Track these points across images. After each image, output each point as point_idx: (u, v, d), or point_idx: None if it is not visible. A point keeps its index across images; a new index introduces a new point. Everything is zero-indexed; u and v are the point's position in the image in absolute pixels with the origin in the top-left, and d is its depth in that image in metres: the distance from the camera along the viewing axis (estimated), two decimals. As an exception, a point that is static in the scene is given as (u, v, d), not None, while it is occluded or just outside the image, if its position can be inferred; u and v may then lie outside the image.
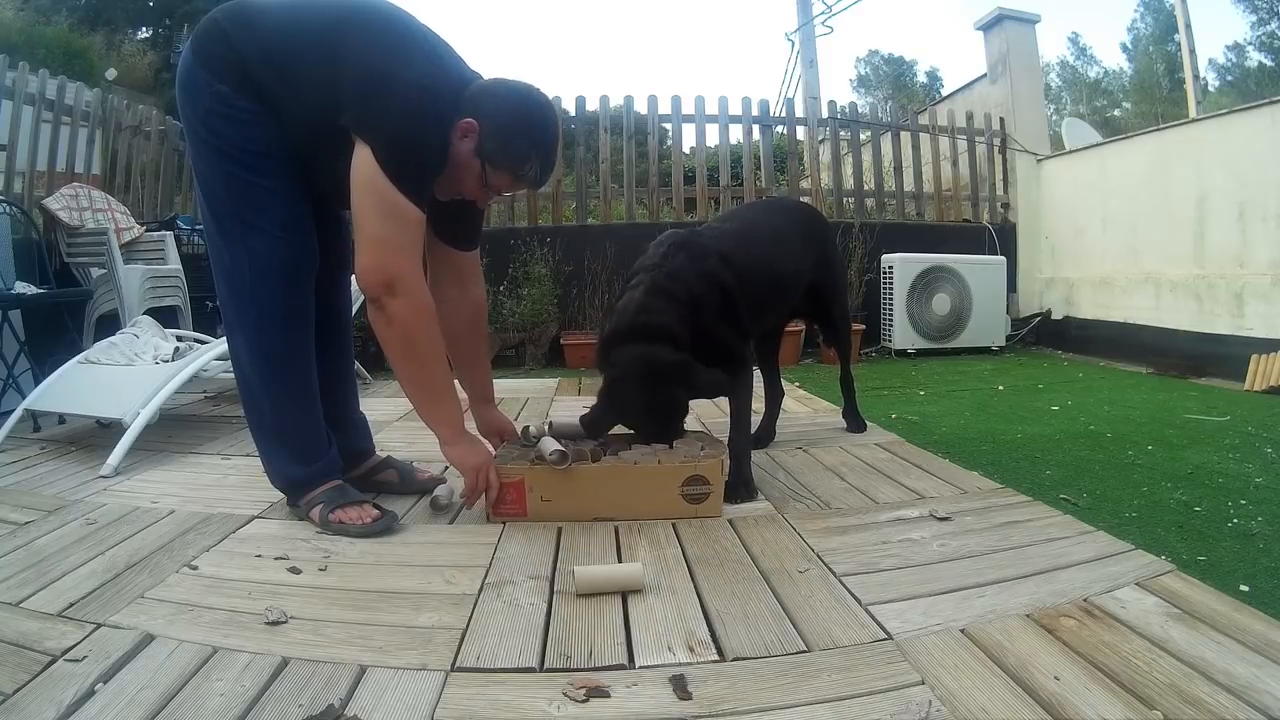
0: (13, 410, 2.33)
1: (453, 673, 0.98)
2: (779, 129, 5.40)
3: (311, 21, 1.43)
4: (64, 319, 3.06)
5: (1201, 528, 1.54)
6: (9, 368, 2.70)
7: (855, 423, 2.39)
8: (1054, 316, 5.00)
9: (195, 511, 1.64)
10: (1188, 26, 5.78)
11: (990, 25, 5.36)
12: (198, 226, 4.04)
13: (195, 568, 1.33)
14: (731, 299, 1.74)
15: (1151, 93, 23.33)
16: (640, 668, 0.99)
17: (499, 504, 1.57)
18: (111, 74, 7.05)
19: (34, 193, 3.98)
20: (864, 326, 4.56)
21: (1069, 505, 1.67)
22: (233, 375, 1.64)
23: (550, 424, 1.84)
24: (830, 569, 1.30)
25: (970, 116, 5.31)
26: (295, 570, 1.32)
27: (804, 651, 1.03)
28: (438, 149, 1.42)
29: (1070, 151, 5.12)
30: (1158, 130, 4.46)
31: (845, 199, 5.19)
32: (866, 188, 5.20)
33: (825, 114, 5.27)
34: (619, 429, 1.75)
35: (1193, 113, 5.35)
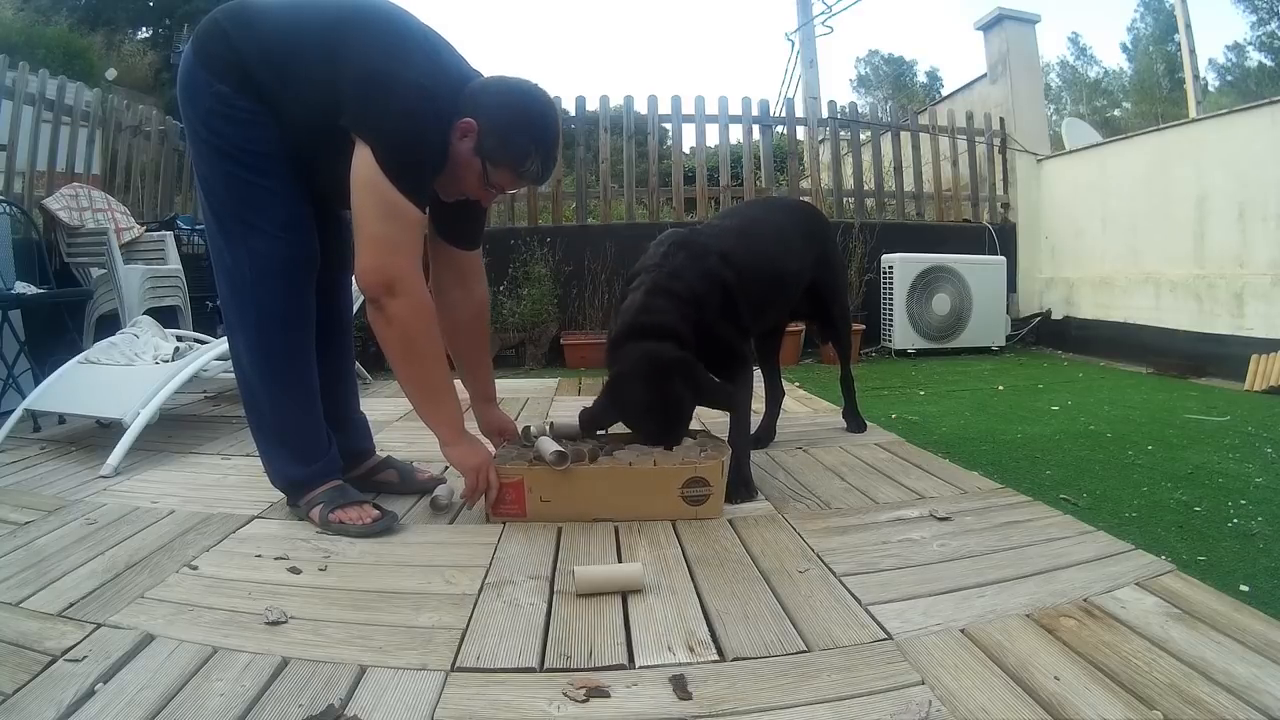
0: (13, 410, 2.33)
1: (453, 673, 0.98)
2: (779, 129, 5.40)
3: (311, 21, 1.43)
4: (64, 319, 3.06)
5: (1201, 528, 1.54)
6: (9, 368, 2.70)
7: (855, 423, 2.39)
8: (1054, 316, 5.00)
9: (195, 511, 1.64)
10: (1188, 26, 5.78)
11: (990, 25, 5.36)
12: (198, 226, 4.04)
13: (195, 568, 1.33)
14: (733, 297, 1.74)
15: (1151, 93, 23.32)
16: (640, 668, 0.99)
17: (498, 504, 1.57)
18: (111, 74, 7.04)
19: (34, 193, 3.98)
20: (864, 326, 4.56)
21: (1069, 505, 1.67)
22: (233, 375, 1.64)
23: (550, 424, 1.84)
24: (830, 569, 1.30)
25: (970, 116, 5.31)
26: (295, 570, 1.32)
27: (804, 651, 1.03)
28: (438, 149, 1.42)
29: (1070, 151, 5.12)
30: (1158, 130, 4.46)
31: (845, 199, 5.19)
32: (866, 188, 5.20)
33: (825, 114, 5.27)
34: (619, 429, 1.75)
35: (1193, 113, 5.35)
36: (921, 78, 32.35)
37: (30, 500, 1.74)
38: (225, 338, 1.69)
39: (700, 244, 1.77)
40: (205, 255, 3.74)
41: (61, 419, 2.53)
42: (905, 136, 5.33)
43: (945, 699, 0.90)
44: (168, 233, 3.81)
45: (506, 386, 3.21)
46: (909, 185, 5.38)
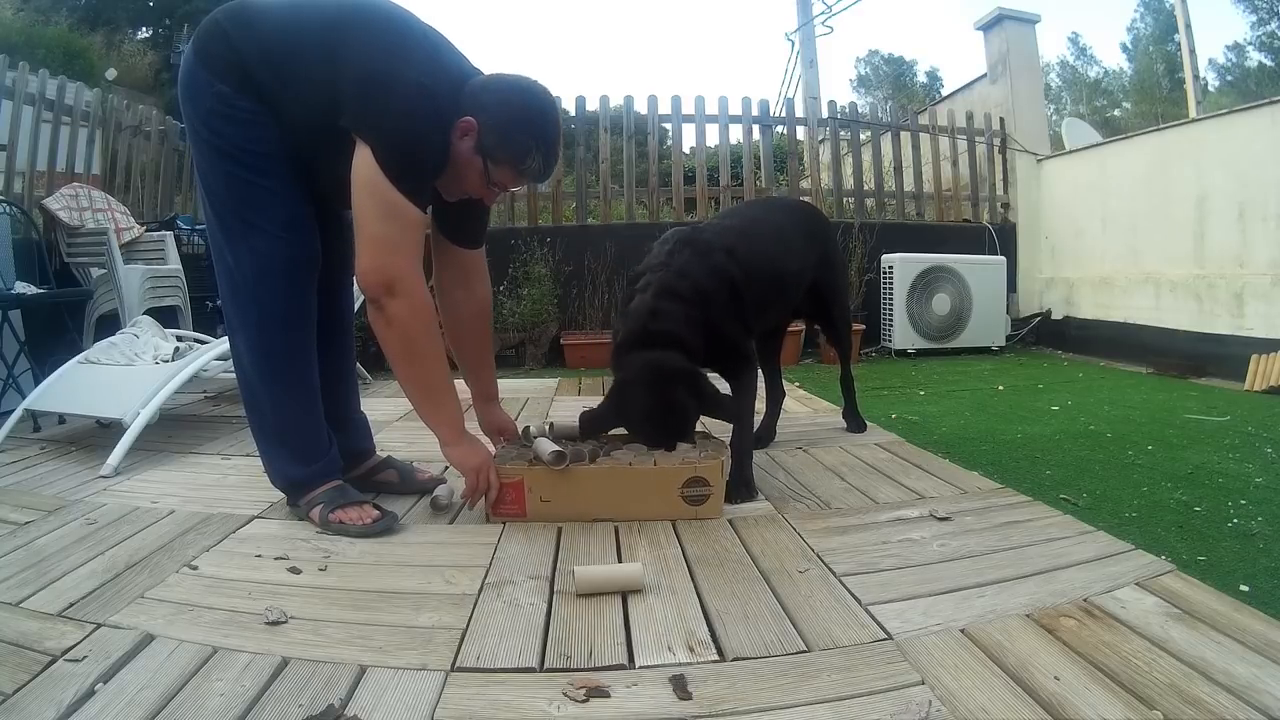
0: (13, 410, 2.33)
1: (453, 673, 0.98)
2: (779, 129, 5.40)
3: (312, 21, 1.43)
4: (64, 319, 3.06)
5: (1201, 528, 1.54)
6: (9, 368, 2.70)
7: (855, 423, 2.39)
8: (1054, 316, 5.00)
9: (195, 511, 1.64)
10: (1188, 26, 5.78)
11: (990, 25, 5.35)
12: (198, 226, 4.04)
13: (195, 568, 1.33)
14: (739, 294, 1.74)
15: (1151, 93, 23.31)
16: (640, 668, 0.99)
17: (498, 504, 1.57)
18: (111, 74, 7.05)
19: (34, 193, 3.98)
20: (864, 326, 4.56)
21: (1069, 505, 1.67)
22: (233, 375, 1.64)
23: (550, 424, 1.84)
24: (830, 569, 1.30)
25: (970, 116, 5.31)
26: (295, 570, 1.32)
27: (804, 651, 1.03)
28: (439, 148, 1.42)
29: (1070, 151, 5.12)
30: (1158, 130, 4.46)
31: (845, 199, 5.19)
32: (866, 188, 5.20)
33: (825, 114, 5.27)
34: (620, 429, 1.75)
35: (1193, 113, 5.35)
36: (921, 78, 32.37)
37: (30, 500, 1.74)
38: (225, 338, 1.69)
39: (705, 241, 1.77)
40: (205, 255, 3.74)
41: (61, 419, 2.53)
42: (905, 136, 5.33)
43: (945, 699, 0.90)
44: (168, 233, 3.81)
45: (506, 386, 3.19)
46: (909, 185, 5.38)
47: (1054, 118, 13.70)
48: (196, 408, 2.92)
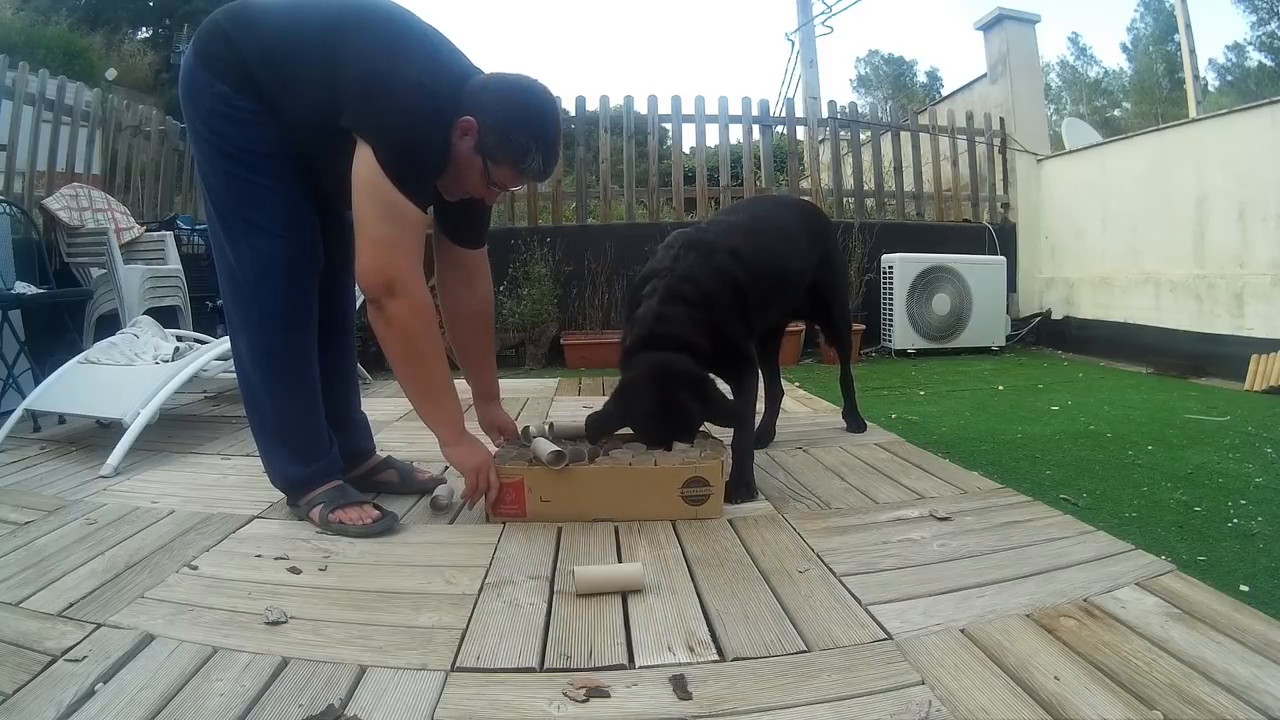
0: (13, 410, 2.33)
1: (453, 673, 0.98)
2: (779, 129, 5.40)
3: (312, 21, 1.43)
4: (64, 319, 3.06)
5: (1201, 528, 1.54)
6: (9, 368, 2.70)
7: (855, 423, 2.39)
8: (1054, 316, 5.00)
9: (195, 511, 1.64)
10: (1188, 26, 5.78)
11: (990, 25, 5.35)
12: (198, 226, 4.04)
13: (195, 568, 1.33)
14: (743, 294, 1.75)
15: (1151, 93, 23.30)
16: (640, 668, 0.99)
17: (498, 504, 1.57)
18: (111, 74, 7.04)
19: (34, 193, 3.98)
20: (864, 326, 4.56)
21: (1069, 505, 1.67)
22: (233, 375, 1.64)
23: (550, 425, 1.84)
24: (830, 569, 1.30)
25: (970, 116, 5.31)
26: (295, 570, 1.32)
27: (804, 651, 1.03)
28: (439, 148, 1.42)
29: (1070, 151, 5.12)
30: (1158, 130, 4.46)
31: (845, 199, 5.19)
32: (866, 188, 5.20)
33: (825, 114, 5.27)
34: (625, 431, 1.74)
35: (1193, 113, 5.35)
36: (921, 78, 32.35)
37: (30, 500, 1.74)
38: (226, 337, 1.69)
39: (709, 242, 1.78)
40: (205, 255, 3.74)
41: (61, 419, 2.53)
42: (905, 136, 5.33)
43: (945, 699, 0.90)
44: (168, 233, 3.81)
45: (506, 386, 3.18)
46: (909, 185, 5.38)
47: (1054, 118, 13.71)
48: (196, 408, 2.92)
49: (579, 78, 73.97)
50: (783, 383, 2.36)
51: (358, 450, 1.80)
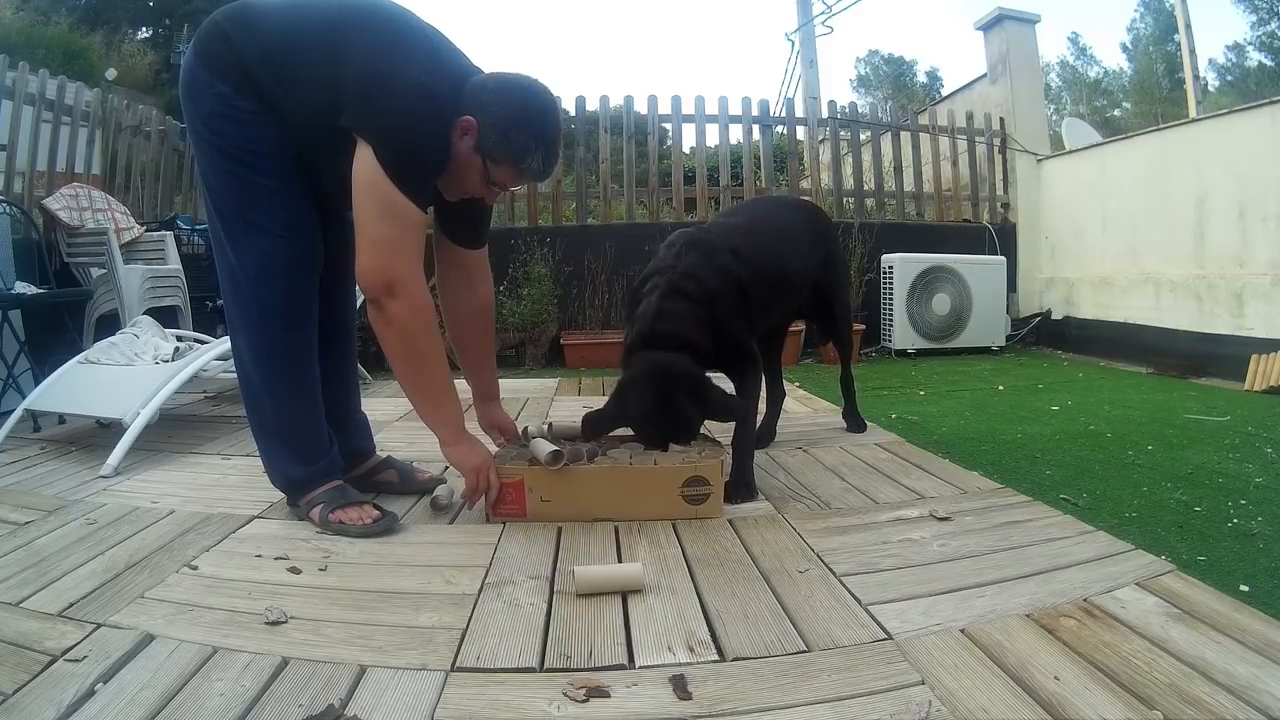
0: (13, 410, 2.33)
1: (453, 673, 0.98)
2: (779, 129, 5.40)
3: (312, 21, 1.43)
4: (64, 319, 3.06)
5: (1201, 528, 1.54)
6: (9, 368, 2.70)
7: (855, 423, 2.39)
8: (1054, 316, 5.00)
9: (195, 511, 1.64)
10: (1188, 26, 5.78)
11: (990, 25, 5.36)
12: (198, 226, 4.04)
13: (195, 568, 1.33)
14: (746, 293, 1.75)
15: (1151, 93, 23.30)
16: (640, 668, 0.99)
17: (498, 504, 1.57)
18: (111, 74, 7.05)
19: (34, 193, 3.98)
20: (864, 326, 4.56)
21: (1069, 505, 1.67)
22: (233, 375, 1.64)
23: (550, 425, 1.84)
24: (830, 569, 1.30)
25: (970, 116, 5.31)
26: (295, 570, 1.32)
27: (804, 651, 1.03)
28: (439, 148, 1.42)
29: (1070, 151, 5.12)
30: (1158, 130, 4.46)
31: (845, 199, 5.19)
32: (866, 188, 5.20)
33: (825, 114, 5.27)
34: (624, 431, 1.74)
35: (1193, 113, 5.35)
36: (921, 78, 32.34)
37: (30, 500, 1.74)
38: (226, 337, 1.69)
39: (710, 242, 1.78)
40: (205, 255, 3.74)
41: (61, 419, 2.53)
42: (905, 136, 5.33)
43: (945, 699, 0.90)
44: (168, 233, 3.81)
45: (506, 386, 3.19)
46: (909, 185, 5.38)
47: (1054, 118, 13.70)
48: (196, 408, 2.92)
49: (579, 78, 73.97)
50: (784, 383, 2.36)
51: (358, 450, 1.80)
